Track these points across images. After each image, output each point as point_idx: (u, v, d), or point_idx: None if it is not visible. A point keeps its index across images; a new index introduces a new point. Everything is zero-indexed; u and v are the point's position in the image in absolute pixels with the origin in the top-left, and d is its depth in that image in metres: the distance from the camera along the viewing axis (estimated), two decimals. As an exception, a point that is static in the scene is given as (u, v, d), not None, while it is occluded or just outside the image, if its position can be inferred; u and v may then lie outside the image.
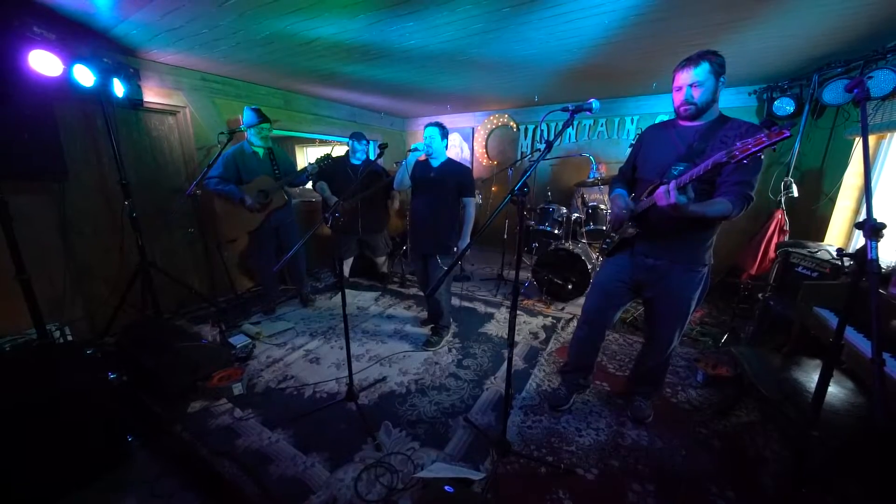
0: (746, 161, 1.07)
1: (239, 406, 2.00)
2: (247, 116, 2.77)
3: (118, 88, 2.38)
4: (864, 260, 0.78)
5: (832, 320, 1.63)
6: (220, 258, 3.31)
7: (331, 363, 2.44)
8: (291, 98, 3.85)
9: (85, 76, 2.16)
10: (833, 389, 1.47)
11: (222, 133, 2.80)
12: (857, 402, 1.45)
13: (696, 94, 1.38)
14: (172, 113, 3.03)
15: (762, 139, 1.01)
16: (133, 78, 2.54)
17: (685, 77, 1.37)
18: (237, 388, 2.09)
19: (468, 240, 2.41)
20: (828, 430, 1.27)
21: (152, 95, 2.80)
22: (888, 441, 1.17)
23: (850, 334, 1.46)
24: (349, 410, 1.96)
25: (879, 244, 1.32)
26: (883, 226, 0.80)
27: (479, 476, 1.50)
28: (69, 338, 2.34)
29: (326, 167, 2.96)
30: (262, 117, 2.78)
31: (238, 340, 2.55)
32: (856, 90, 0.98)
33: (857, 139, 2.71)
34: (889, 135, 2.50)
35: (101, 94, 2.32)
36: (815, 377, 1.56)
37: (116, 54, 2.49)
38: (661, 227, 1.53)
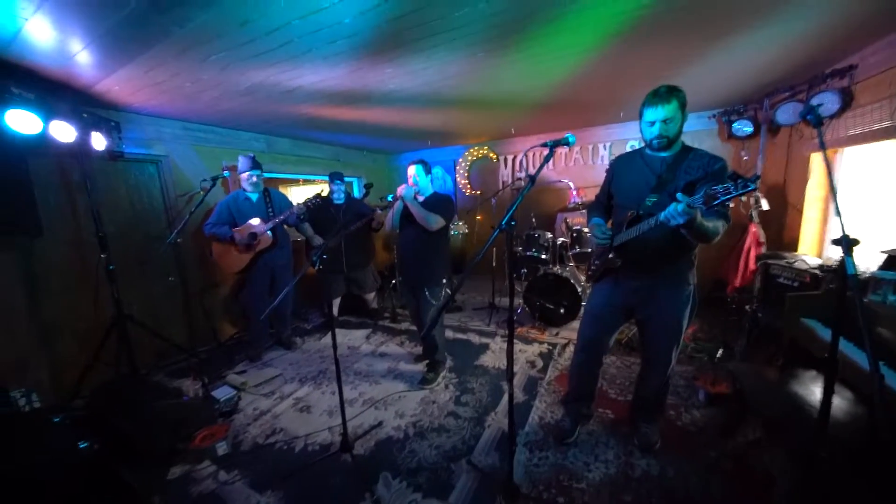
0: (717, 207, 1.21)
1: (224, 468, 1.85)
2: (241, 163, 2.87)
3: (98, 142, 2.36)
4: (845, 276, 0.81)
5: (820, 330, 1.66)
6: (202, 306, 3.19)
7: (322, 411, 2.32)
8: (273, 141, 3.91)
9: (64, 132, 2.14)
10: (833, 400, 1.47)
11: (205, 180, 2.79)
12: (857, 411, 1.45)
13: (669, 129, 1.47)
14: (154, 162, 3.02)
15: (729, 189, 1.15)
16: (114, 131, 2.53)
17: (657, 113, 1.45)
18: (222, 448, 1.94)
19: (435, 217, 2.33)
20: (834, 444, 1.25)
21: (133, 146, 2.79)
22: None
23: (840, 344, 1.48)
24: (344, 462, 1.84)
25: (853, 252, 1.40)
26: (856, 242, 0.83)
27: (488, 526, 1.40)
28: (36, 405, 2.15)
29: (313, 206, 2.97)
30: (254, 164, 2.88)
31: (222, 393, 2.40)
32: (809, 116, 1.05)
33: (812, 155, 2.91)
34: (839, 150, 2.69)
35: (79, 148, 2.30)
36: (814, 389, 1.57)
37: (97, 108, 2.49)
38: (642, 253, 1.59)
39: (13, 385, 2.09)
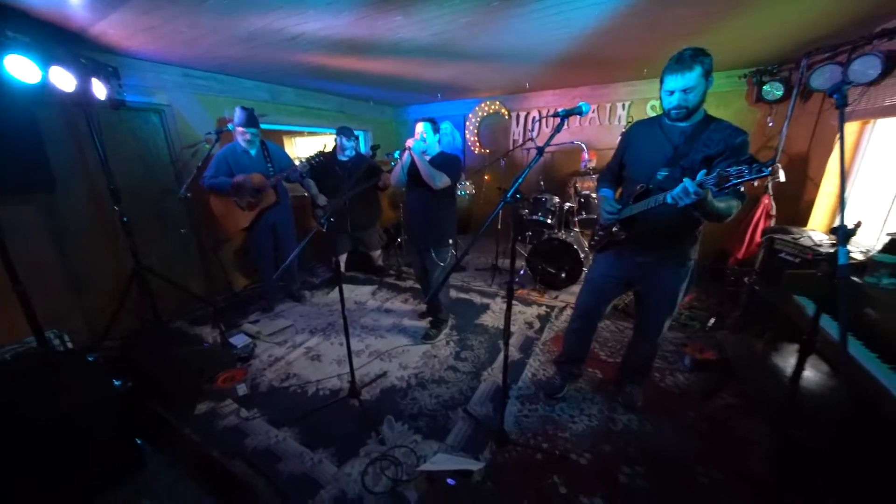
0: (727, 190, 1.18)
1: (244, 406, 2.06)
2: (237, 116, 2.71)
3: (98, 89, 2.31)
4: (836, 265, 0.83)
5: (810, 308, 1.71)
6: (216, 257, 3.31)
7: (332, 360, 2.50)
8: (278, 91, 3.76)
9: (63, 80, 2.09)
10: (809, 374, 1.57)
11: (209, 133, 2.75)
12: (832, 385, 1.54)
13: (689, 99, 1.38)
14: (157, 111, 2.96)
15: (743, 172, 1.12)
16: (112, 77, 2.45)
17: (677, 82, 1.36)
18: (241, 389, 2.14)
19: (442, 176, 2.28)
20: (805, 417, 1.36)
21: (134, 93, 2.72)
22: (865, 432, 1.26)
23: (826, 322, 1.53)
24: (352, 406, 2.03)
25: (860, 228, 1.38)
26: (853, 232, 0.85)
27: (479, 465, 1.58)
28: (69, 345, 2.35)
29: (316, 164, 2.94)
30: (250, 121, 2.71)
31: (239, 340, 2.58)
32: (835, 95, 1.00)
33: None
34: (871, 121, 2.54)
35: (81, 96, 2.25)
36: (793, 363, 1.66)
37: (94, 53, 2.40)
38: (648, 229, 1.59)
39: (51, 329, 2.26)
